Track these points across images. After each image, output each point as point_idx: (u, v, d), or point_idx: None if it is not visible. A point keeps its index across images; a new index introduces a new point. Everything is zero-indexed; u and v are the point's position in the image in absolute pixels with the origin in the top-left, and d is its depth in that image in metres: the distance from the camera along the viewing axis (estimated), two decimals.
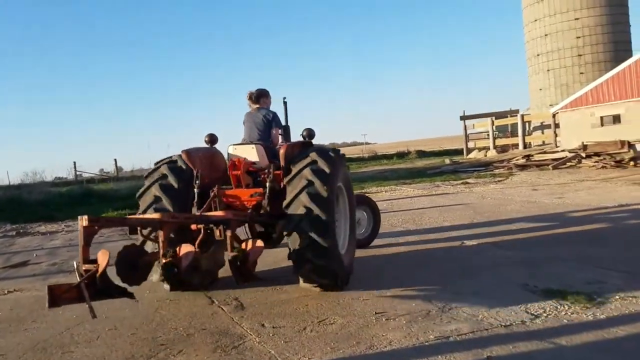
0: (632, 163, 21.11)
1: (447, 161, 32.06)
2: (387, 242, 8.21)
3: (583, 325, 4.19)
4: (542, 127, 34.72)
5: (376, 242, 7.96)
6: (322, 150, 5.66)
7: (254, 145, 6.05)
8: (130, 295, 4.13)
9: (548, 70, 35.52)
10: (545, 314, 4.47)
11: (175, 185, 5.85)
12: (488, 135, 39.32)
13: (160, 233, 4.53)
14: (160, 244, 4.52)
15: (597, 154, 22.88)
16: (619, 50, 33.74)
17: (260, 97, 6.54)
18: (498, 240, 7.81)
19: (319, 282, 5.49)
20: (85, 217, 3.85)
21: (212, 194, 5.76)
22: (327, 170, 5.35)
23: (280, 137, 6.62)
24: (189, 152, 5.99)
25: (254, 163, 6.02)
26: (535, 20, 36.09)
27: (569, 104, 26.58)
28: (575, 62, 34.26)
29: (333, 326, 4.55)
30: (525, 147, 31.63)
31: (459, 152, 43.88)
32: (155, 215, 4.72)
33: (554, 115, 29.01)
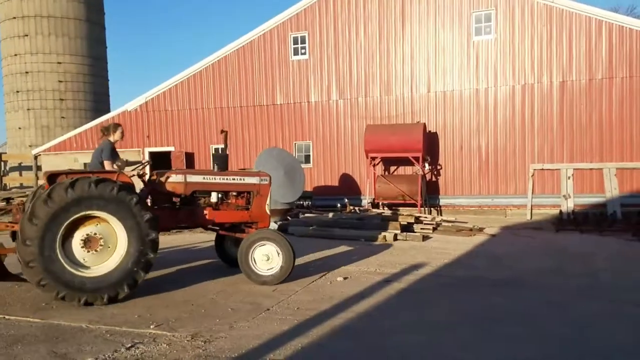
0: None
1: None
2: None
3: None
4: (21, 167, 32.91)
5: None
6: (52, 189, 6.20)
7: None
8: None
9: (28, 110, 34.03)
10: None
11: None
12: None
13: None
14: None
15: None
16: (100, 101, 35.81)
17: (104, 130, 7.88)
18: None
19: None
20: None
21: None
22: (27, 218, 6.13)
23: (113, 165, 7.48)
24: None
25: None
26: (16, 55, 34.15)
27: (52, 147, 26.15)
28: (57, 106, 34.11)
29: None
30: (4, 188, 29.13)
31: None
32: None
33: (36, 157, 27.96)
